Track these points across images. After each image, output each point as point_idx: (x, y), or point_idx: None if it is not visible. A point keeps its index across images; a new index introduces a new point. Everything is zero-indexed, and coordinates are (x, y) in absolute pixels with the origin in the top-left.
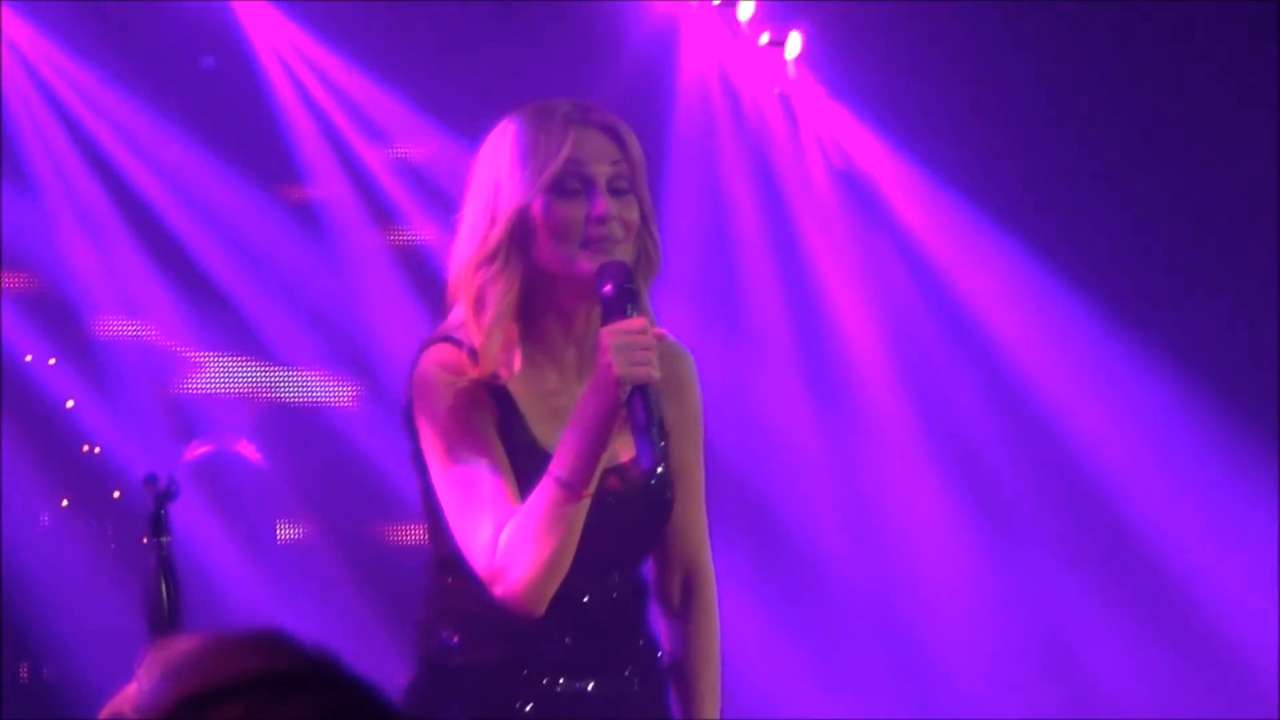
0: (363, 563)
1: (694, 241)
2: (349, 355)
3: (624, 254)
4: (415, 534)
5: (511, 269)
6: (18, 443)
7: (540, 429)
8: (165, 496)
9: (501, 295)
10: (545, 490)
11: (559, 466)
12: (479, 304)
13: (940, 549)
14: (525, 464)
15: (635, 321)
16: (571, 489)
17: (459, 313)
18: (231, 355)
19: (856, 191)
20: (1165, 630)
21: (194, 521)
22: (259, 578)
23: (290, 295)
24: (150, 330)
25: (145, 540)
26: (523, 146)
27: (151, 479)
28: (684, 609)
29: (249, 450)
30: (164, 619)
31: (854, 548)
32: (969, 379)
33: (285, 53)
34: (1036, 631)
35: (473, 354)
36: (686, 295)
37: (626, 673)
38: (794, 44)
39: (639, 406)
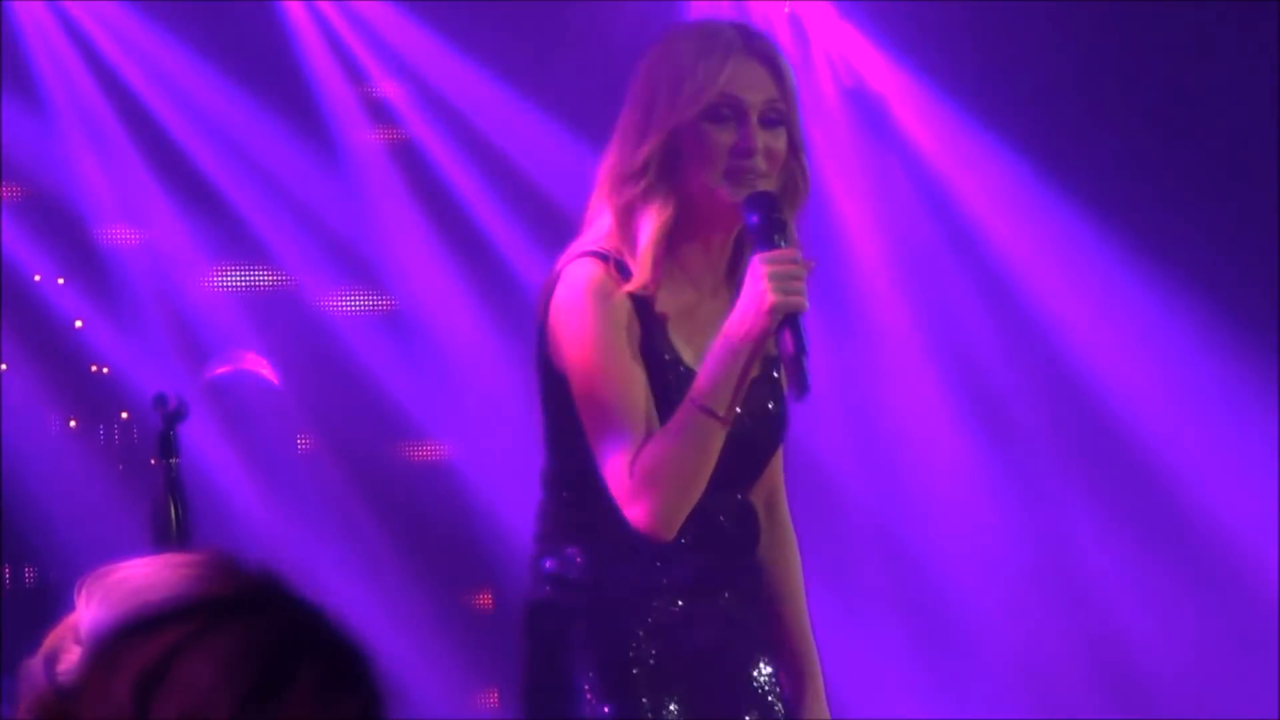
0: (374, 482)
1: None
2: (361, 272)
3: (767, 185)
4: (427, 452)
5: (661, 187)
6: (25, 362)
7: (682, 346)
8: (174, 417)
9: (657, 212)
10: (687, 414)
11: (702, 391)
12: (627, 218)
13: (947, 470)
14: (667, 379)
15: (789, 251)
16: (713, 414)
17: (605, 224)
18: (241, 269)
19: (866, 111)
20: (1171, 550)
21: (205, 441)
22: (270, 498)
23: (299, 209)
24: (159, 245)
25: (154, 461)
26: (682, 68)
27: (161, 399)
28: (770, 534)
29: (264, 368)
30: (172, 540)
31: (860, 469)
32: (978, 299)
33: None
34: (1045, 555)
35: (619, 267)
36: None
37: (743, 591)
38: None
39: (790, 335)
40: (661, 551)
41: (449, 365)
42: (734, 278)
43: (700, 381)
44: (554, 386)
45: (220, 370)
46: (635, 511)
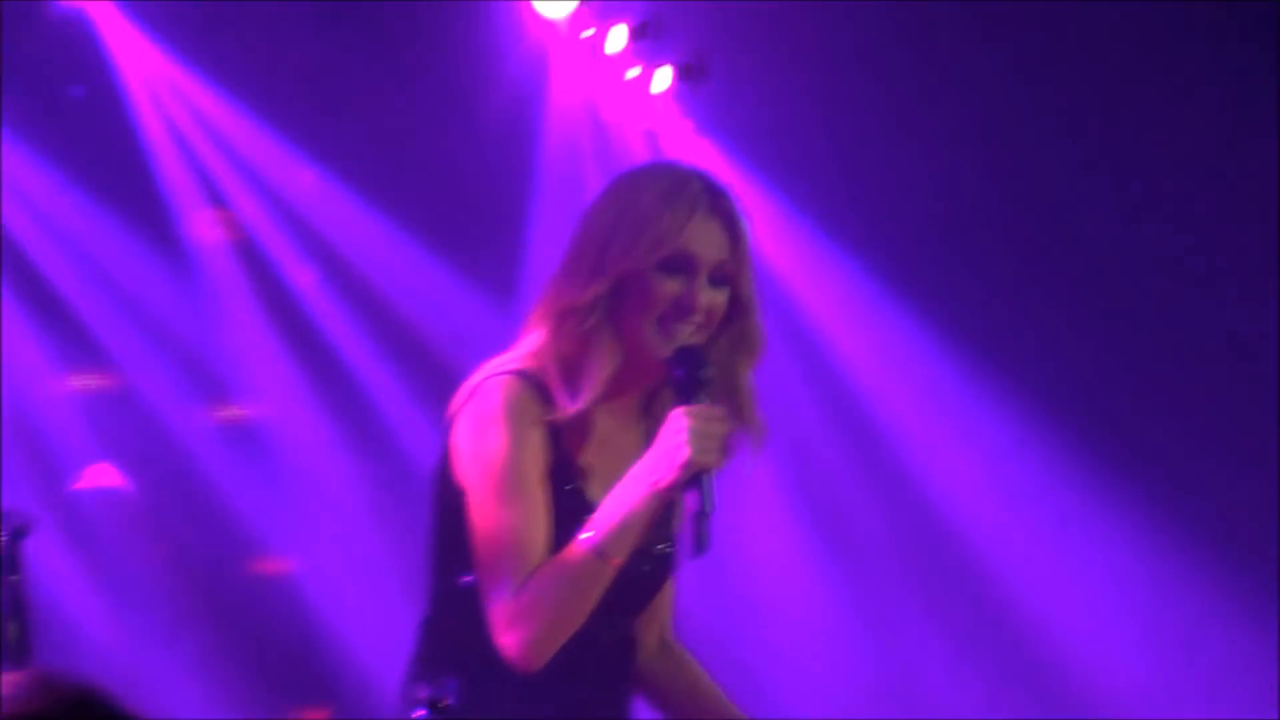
0: (219, 594)
1: None
2: (209, 382)
3: (697, 339)
4: (272, 566)
5: (607, 327)
6: None
7: (589, 478)
8: (18, 533)
9: (605, 352)
10: (579, 553)
11: (599, 533)
12: (566, 348)
13: (787, 577)
14: (565, 509)
15: (712, 409)
16: (606, 557)
17: (534, 344)
18: (87, 378)
19: None
20: (997, 646)
21: (51, 555)
22: (119, 612)
23: (151, 322)
24: (2, 354)
25: None
26: (646, 217)
27: (4, 515)
28: (664, 661)
29: (120, 481)
30: (11, 657)
31: (696, 577)
32: (820, 408)
33: (156, 84)
34: (883, 663)
35: (540, 389)
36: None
37: None
38: (663, 79)
39: (698, 492)
40: (537, 681)
41: (295, 478)
42: (647, 415)
43: (599, 523)
44: (449, 502)
45: (80, 484)
46: (508, 639)
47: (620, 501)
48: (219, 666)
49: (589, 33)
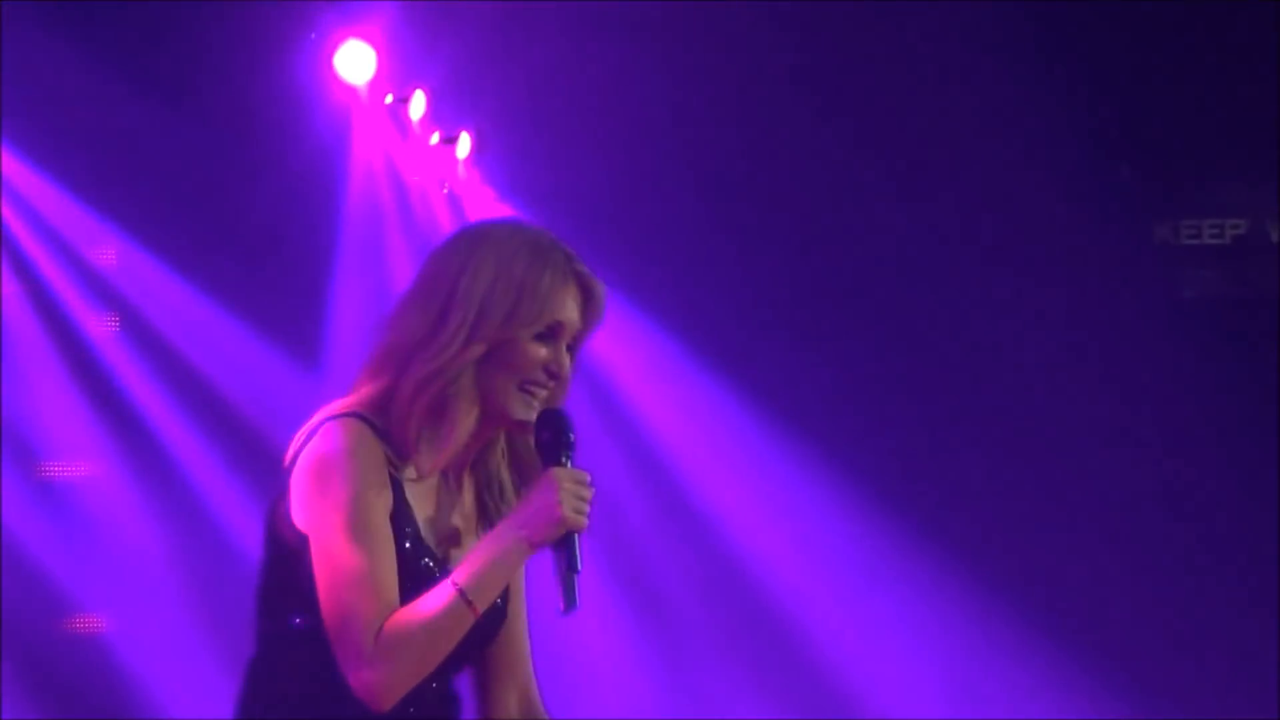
0: (28, 654)
1: (361, 333)
2: (18, 445)
3: (553, 403)
4: (81, 624)
5: (471, 390)
6: None
7: (423, 525)
8: None
9: (465, 413)
10: (446, 597)
11: (466, 579)
12: (419, 404)
13: (599, 650)
14: (405, 554)
15: (582, 474)
16: (472, 605)
17: (375, 393)
18: None
19: None
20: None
21: None
22: None
23: None
24: None
25: None
26: (523, 286)
27: None
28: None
29: None
30: None
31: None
32: (630, 475)
33: None
34: None
35: (385, 437)
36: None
37: None
38: (464, 144)
39: (567, 551)
40: None
41: (102, 537)
42: (473, 469)
43: (467, 571)
44: (284, 544)
45: None
46: (365, 676)
47: (489, 551)
48: None
49: (390, 98)
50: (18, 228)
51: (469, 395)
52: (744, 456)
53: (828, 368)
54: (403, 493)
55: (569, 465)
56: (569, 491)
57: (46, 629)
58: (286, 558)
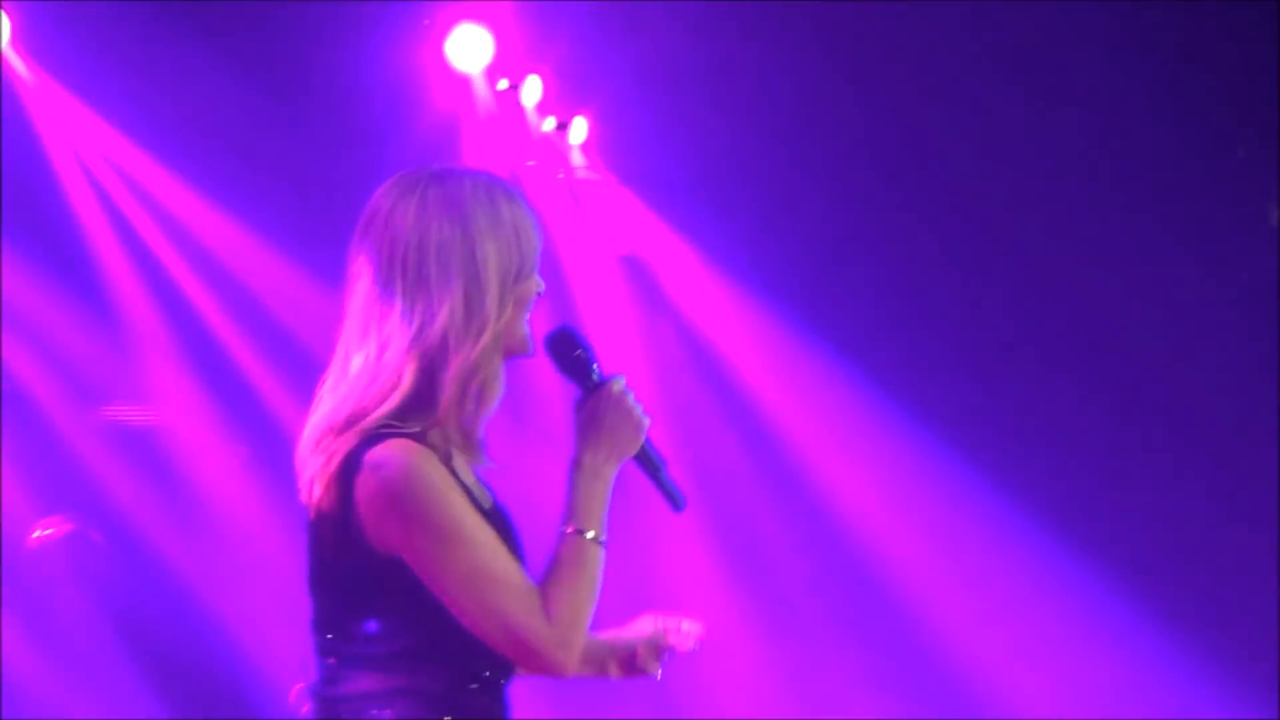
0: (156, 657)
1: None
2: (139, 444)
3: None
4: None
5: (500, 363)
6: None
7: (479, 496)
8: None
9: (497, 389)
10: (577, 550)
11: (585, 522)
12: (478, 392)
13: (715, 628)
14: (500, 531)
15: (620, 376)
16: (599, 542)
17: (401, 389)
18: (28, 448)
19: (639, 276)
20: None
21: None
22: (48, 668)
23: (82, 384)
24: None
25: None
26: (519, 228)
27: None
28: None
29: (84, 530)
30: None
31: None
32: (742, 452)
33: (72, 136)
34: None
35: (424, 439)
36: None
37: None
38: (579, 129)
39: (650, 454)
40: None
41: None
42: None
43: (581, 514)
44: (372, 573)
45: (46, 534)
46: (560, 657)
47: (589, 486)
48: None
49: (504, 84)
50: (136, 215)
51: (500, 368)
52: (864, 439)
53: (949, 347)
54: (460, 479)
55: (598, 374)
56: (629, 397)
57: (173, 619)
58: (376, 586)
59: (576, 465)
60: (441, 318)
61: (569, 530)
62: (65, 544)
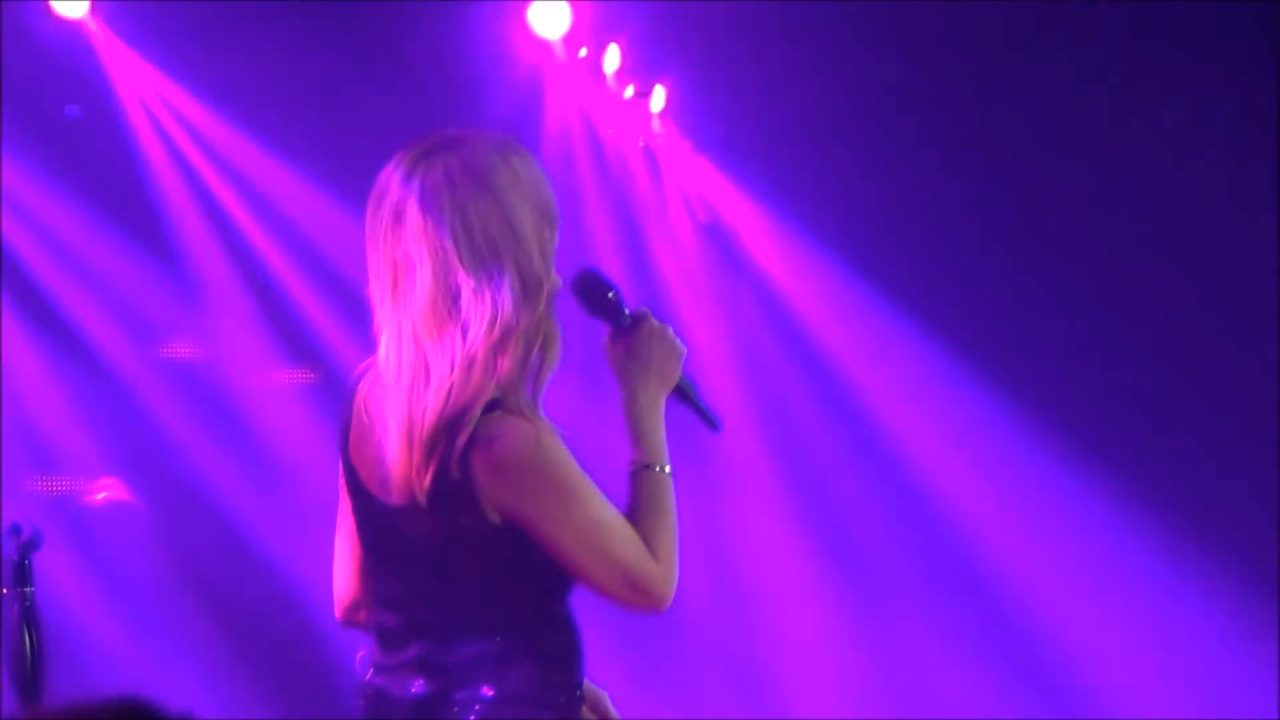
0: (233, 621)
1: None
2: (216, 405)
3: None
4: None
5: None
6: None
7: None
8: (29, 546)
9: (560, 343)
10: (652, 484)
11: (652, 455)
12: (537, 354)
13: (799, 601)
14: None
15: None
16: (668, 472)
17: (506, 373)
18: (97, 404)
19: (720, 244)
20: (1006, 656)
21: (61, 569)
22: (126, 632)
23: (156, 341)
24: (11, 378)
25: (4, 591)
26: (535, 177)
27: (15, 529)
28: None
29: (126, 497)
30: (27, 670)
31: (711, 597)
32: (826, 427)
33: (150, 101)
34: (885, 662)
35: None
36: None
37: None
38: (659, 97)
39: (686, 382)
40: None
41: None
42: None
43: (645, 448)
44: (484, 532)
45: (90, 499)
46: (668, 592)
47: (646, 419)
48: (228, 673)
49: (583, 52)
50: (212, 178)
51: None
52: (942, 402)
53: (1022, 304)
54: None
55: (629, 311)
56: (667, 328)
57: (246, 581)
58: (492, 554)
59: (633, 402)
60: (509, 294)
61: (646, 468)
62: (118, 511)
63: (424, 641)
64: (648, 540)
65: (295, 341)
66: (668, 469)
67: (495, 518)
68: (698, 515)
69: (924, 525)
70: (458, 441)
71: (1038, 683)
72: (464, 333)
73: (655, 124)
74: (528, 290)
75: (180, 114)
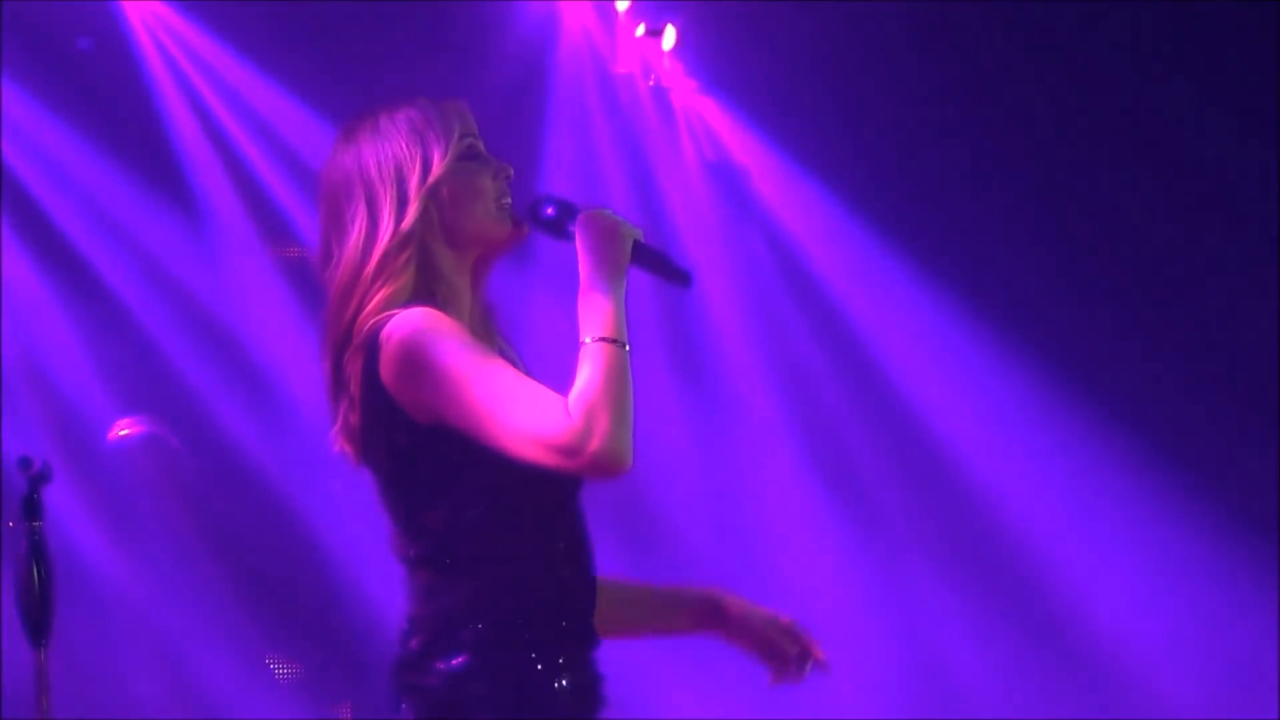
0: (239, 558)
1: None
2: (223, 343)
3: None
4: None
5: (439, 244)
6: None
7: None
8: (39, 479)
9: (452, 268)
10: (599, 353)
11: (604, 329)
12: (421, 276)
13: (805, 540)
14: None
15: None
16: (621, 344)
17: (403, 285)
18: (107, 342)
19: (727, 181)
20: (1005, 594)
21: (66, 503)
22: (132, 565)
23: (165, 282)
24: (21, 313)
25: (11, 524)
26: (416, 130)
27: (25, 461)
28: None
29: (149, 431)
30: (35, 603)
31: (719, 538)
32: (832, 366)
33: (162, 36)
34: (904, 632)
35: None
36: (560, 285)
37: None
38: (669, 37)
39: (645, 252)
40: (545, 606)
41: (307, 430)
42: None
43: (597, 323)
44: (420, 442)
45: (123, 432)
46: (591, 445)
47: (591, 297)
48: (234, 609)
49: None
50: (221, 110)
51: (440, 251)
52: (957, 362)
53: (1047, 279)
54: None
55: (568, 214)
56: (605, 216)
57: (255, 521)
58: (430, 455)
59: (580, 287)
60: (360, 229)
61: (588, 339)
62: (144, 445)
63: (414, 588)
64: (577, 399)
65: (304, 278)
66: (589, 339)
67: (421, 418)
68: (707, 468)
69: (925, 460)
70: (359, 359)
71: (1058, 648)
72: (336, 266)
73: (665, 62)
74: (382, 223)
75: (188, 46)
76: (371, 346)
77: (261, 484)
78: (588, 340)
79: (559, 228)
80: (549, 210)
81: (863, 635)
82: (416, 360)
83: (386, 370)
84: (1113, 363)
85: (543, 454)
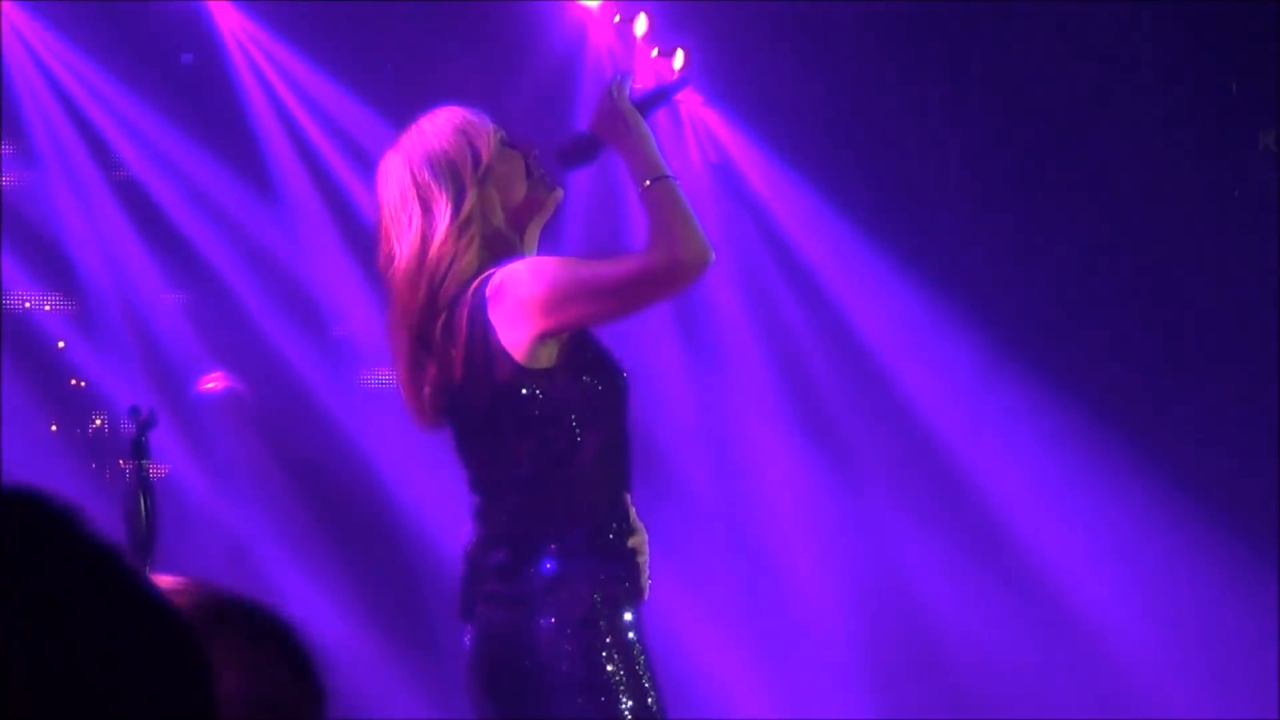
0: (318, 486)
1: (587, 227)
2: (307, 315)
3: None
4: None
5: (484, 225)
6: (16, 377)
7: None
8: (146, 425)
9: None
10: (650, 194)
11: (653, 171)
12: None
13: (799, 507)
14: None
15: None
16: (663, 178)
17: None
18: (204, 307)
19: (727, 181)
20: (980, 548)
21: (170, 446)
22: (227, 503)
23: (250, 252)
24: (130, 278)
25: (123, 463)
26: (459, 128)
27: (135, 410)
28: None
29: (232, 385)
30: (142, 531)
31: (716, 485)
32: (819, 339)
33: (251, 50)
34: (883, 584)
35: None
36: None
37: None
38: (679, 58)
39: (648, 94)
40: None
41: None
42: None
43: (644, 169)
44: (520, 379)
45: (209, 386)
46: (674, 257)
47: (633, 151)
48: (319, 546)
49: (618, 18)
50: (302, 116)
51: (501, 225)
52: (938, 344)
53: (1039, 281)
54: None
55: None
56: (598, 109)
57: (335, 465)
58: (527, 393)
59: (624, 162)
60: (447, 207)
61: (641, 184)
62: (225, 398)
63: (496, 515)
64: (654, 239)
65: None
66: (668, 174)
67: (526, 352)
68: (708, 438)
69: (920, 452)
70: (463, 310)
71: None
72: (400, 260)
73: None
74: (438, 214)
75: (271, 54)
76: (478, 298)
77: (327, 420)
78: (647, 183)
79: (582, 146)
80: (576, 149)
81: (830, 555)
82: (528, 281)
83: (495, 310)
84: (1112, 362)
85: (649, 290)
